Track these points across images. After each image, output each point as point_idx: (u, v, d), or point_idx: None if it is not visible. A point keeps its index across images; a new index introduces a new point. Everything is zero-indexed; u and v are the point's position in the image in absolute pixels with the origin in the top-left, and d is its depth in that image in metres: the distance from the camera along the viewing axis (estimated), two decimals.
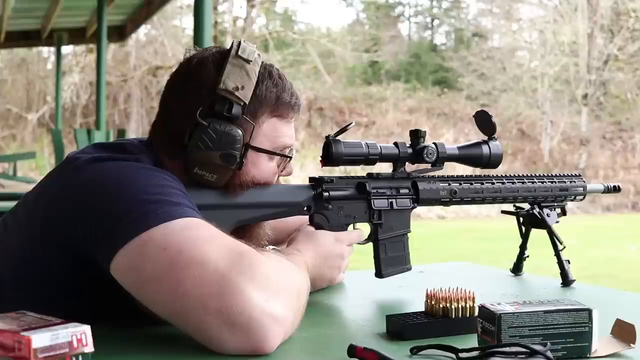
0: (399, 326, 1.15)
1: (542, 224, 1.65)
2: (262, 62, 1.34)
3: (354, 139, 1.46)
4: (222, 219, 1.23)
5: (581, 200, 1.71)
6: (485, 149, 1.56)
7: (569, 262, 1.65)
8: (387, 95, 18.19)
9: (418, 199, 1.53)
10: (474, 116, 1.59)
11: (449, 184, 1.56)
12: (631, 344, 1.07)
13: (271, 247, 1.48)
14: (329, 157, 1.43)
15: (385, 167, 1.56)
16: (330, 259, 1.44)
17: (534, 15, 19.81)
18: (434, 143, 1.52)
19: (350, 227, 1.51)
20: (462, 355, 1.01)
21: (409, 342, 1.09)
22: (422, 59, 20.52)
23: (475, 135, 1.57)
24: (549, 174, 1.68)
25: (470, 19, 22.12)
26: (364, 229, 1.53)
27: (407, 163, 1.52)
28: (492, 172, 1.61)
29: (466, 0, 22.31)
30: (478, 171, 1.61)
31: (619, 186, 1.78)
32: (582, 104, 17.57)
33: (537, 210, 1.65)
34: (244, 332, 1.01)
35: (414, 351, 1.05)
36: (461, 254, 8.18)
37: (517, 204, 1.69)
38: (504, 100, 18.21)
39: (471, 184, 1.57)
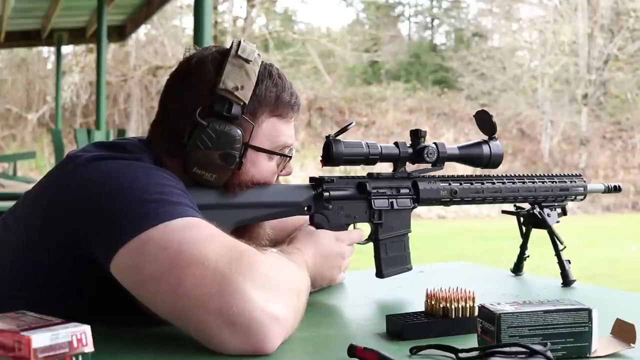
0: (399, 326, 1.15)
1: (542, 223, 1.65)
2: (262, 62, 1.33)
3: (354, 139, 1.46)
4: (221, 219, 1.23)
5: (582, 200, 1.71)
6: (485, 148, 1.55)
7: (569, 262, 1.65)
8: (387, 95, 18.19)
9: (418, 199, 1.53)
10: (474, 116, 1.58)
11: (450, 184, 1.55)
12: (631, 344, 1.07)
13: (274, 250, 1.48)
14: (329, 157, 1.43)
15: (385, 167, 1.56)
16: (330, 258, 1.44)
17: (534, 15, 19.81)
18: (435, 143, 1.52)
19: (351, 227, 1.51)
20: (462, 355, 1.01)
21: (409, 342, 1.09)
22: (422, 59, 20.51)
23: (475, 135, 1.57)
24: (550, 174, 1.67)
25: (470, 19, 22.13)
26: (364, 228, 1.53)
27: (407, 163, 1.52)
28: (492, 172, 1.61)
29: (466, 0, 22.33)
30: (478, 171, 1.61)
31: (619, 186, 1.77)
32: (582, 104, 17.57)
33: (538, 210, 1.65)
34: (245, 332, 1.01)
35: (414, 351, 1.05)
36: (461, 254, 8.17)
37: (518, 204, 1.69)
38: (504, 100, 18.21)
39: (472, 183, 1.57)
